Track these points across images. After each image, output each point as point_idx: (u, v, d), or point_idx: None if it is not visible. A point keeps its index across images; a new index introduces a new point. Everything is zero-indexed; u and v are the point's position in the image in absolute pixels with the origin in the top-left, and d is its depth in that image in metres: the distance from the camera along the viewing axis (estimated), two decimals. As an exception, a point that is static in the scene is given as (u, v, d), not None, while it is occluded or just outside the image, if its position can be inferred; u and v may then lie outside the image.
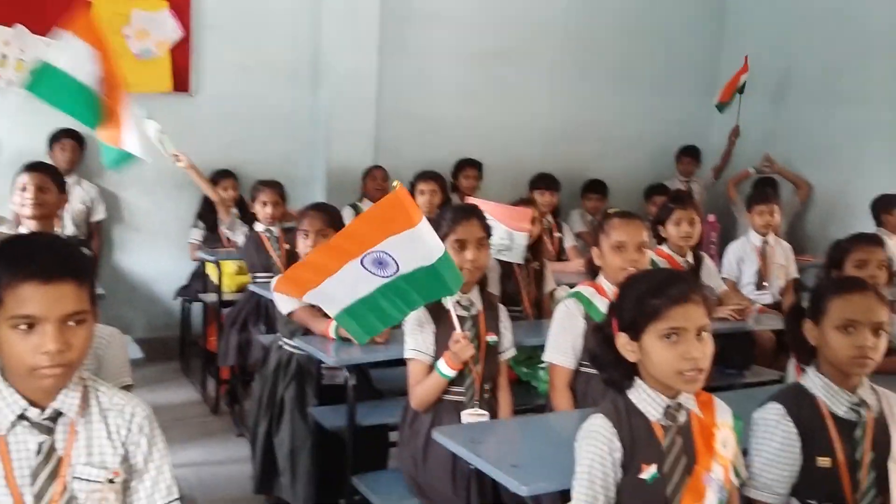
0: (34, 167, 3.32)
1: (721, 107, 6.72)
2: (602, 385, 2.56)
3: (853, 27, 6.22)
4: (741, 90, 6.59)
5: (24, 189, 3.21)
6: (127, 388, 2.24)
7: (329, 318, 3.02)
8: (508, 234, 3.72)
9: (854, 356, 1.98)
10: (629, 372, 1.84)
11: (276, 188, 4.62)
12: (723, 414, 1.88)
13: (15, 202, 3.25)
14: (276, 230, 4.59)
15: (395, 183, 2.47)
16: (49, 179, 3.27)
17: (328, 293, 2.53)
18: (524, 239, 3.77)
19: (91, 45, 3.58)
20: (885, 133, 6.01)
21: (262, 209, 4.54)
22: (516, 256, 3.78)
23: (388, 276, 2.46)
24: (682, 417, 1.82)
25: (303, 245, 3.23)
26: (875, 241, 3.23)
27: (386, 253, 2.41)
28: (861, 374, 2.03)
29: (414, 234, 2.39)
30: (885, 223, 5.34)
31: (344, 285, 2.49)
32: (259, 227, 4.58)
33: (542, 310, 3.99)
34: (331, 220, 3.26)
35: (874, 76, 6.08)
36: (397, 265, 2.44)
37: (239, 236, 4.93)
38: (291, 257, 4.40)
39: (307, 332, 3.16)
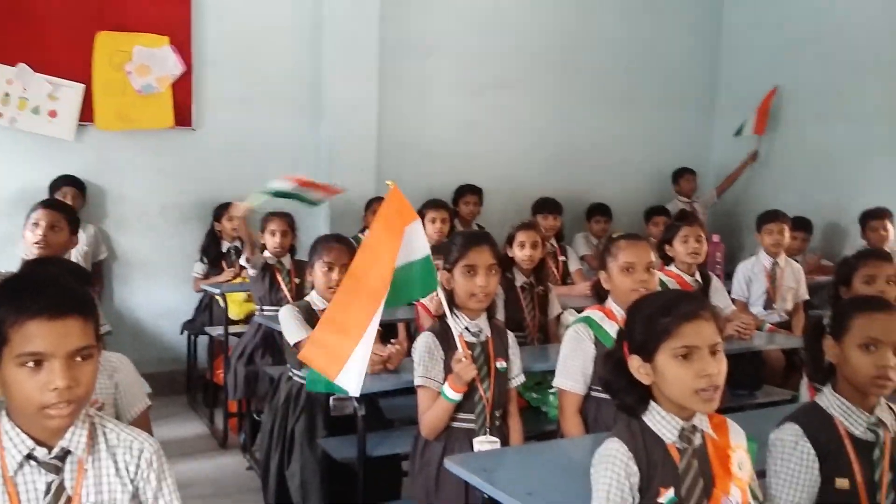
0: (49, 204, 3.33)
1: (742, 132, 6.80)
2: (613, 410, 2.56)
3: (846, 46, 6.29)
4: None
5: (36, 225, 3.21)
6: (148, 408, 2.28)
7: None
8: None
9: (875, 376, 1.95)
10: (643, 396, 1.81)
11: (286, 218, 4.62)
12: (737, 436, 1.85)
13: (27, 237, 3.25)
14: (287, 263, 4.57)
15: (387, 182, 2.57)
16: (63, 219, 3.27)
17: (354, 369, 2.42)
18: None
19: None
20: (884, 149, 6.06)
21: (271, 238, 4.54)
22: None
23: None
24: (697, 440, 1.79)
25: (326, 278, 3.21)
26: (883, 256, 3.22)
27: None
28: (880, 395, 2.00)
29: (411, 230, 2.52)
30: (867, 238, 5.48)
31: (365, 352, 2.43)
32: (270, 258, 4.57)
33: (547, 334, 3.97)
34: (353, 254, 3.28)
35: (870, 94, 6.14)
36: None
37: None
38: (300, 291, 4.39)
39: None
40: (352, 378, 2.39)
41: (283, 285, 4.49)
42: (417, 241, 2.55)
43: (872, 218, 5.46)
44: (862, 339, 1.99)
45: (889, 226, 5.39)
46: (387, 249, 2.48)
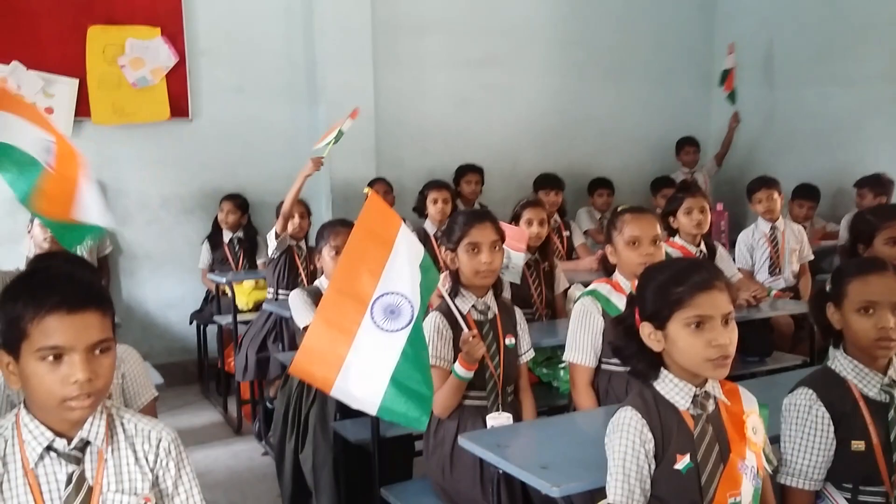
0: None
1: (732, 97, 6.72)
2: (624, 381, 2.57)
3: (843, 8, 6.24)
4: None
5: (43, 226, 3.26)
6: (155, 399, 2.33)
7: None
8: (507, 253, 3.57)
9: (876, 338, 1.96)
10: (654, 362, 1.81)
11: (302, 203, 4.69)
12: (749, 402, 1.86)
13: (36, 235, 3.30)
14: (304, 247, 4.58)
15: (365, 190, 2.32)
16: None
17: (354, 379, 2.05)
18: (522, 259, 3.63)
19: (22, 116, 3.07)
20: (884, 111, 6.03)
21: (291, 221, 4.56)
22: (514, 276, 3.62)
23: (404, 327, 2.10)
24: (710, 406, 1.80)
25: (334, 262, 3.22)
26: None
27: (392, 293, 2.10)
28: (886, 356, 2.00)
29: (399, 247, 2.17)
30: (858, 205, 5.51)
31: (367, 363, 2.05)
32: (290, 241, 4.59)
33: (555, 310, 3.97)
34: None
35: (868, 56, 6.10)
36: (410, 304, 2.12)
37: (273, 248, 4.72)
38: (314, 277, 4.39)
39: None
40: (349, 392, 2.06)
41: (301, 269, 4.50)
42: (412, 247, 2.21)
43: (861, 186, 5.55)
44: (859, 304, 1.99)
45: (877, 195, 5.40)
46: (373, 259, 2.14)
